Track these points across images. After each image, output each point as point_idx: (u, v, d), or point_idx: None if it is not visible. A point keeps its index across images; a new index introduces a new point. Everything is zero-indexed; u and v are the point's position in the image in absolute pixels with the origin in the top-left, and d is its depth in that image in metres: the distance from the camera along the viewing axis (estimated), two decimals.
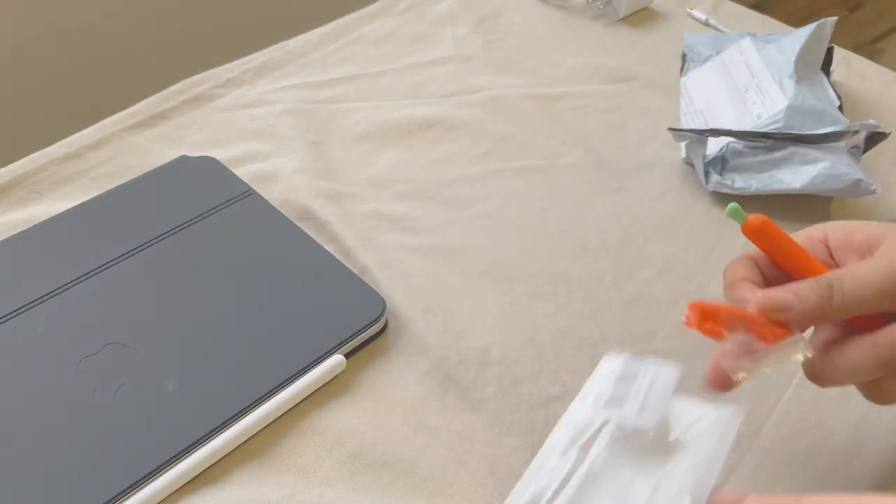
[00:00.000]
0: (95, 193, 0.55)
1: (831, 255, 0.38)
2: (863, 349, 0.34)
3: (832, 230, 0.38)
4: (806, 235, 0.38)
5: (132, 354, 0.45)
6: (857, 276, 0.34)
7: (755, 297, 0.34)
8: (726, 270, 0.38)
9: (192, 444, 0.41)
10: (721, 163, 0.57)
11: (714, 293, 0.52)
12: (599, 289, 0.52)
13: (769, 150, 0.56)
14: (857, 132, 0.56)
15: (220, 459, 0.42)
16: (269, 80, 0.68)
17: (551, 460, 0.32)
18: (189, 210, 0.53)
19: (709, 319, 0.33)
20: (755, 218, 0.36)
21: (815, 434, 0.45)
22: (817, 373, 0.36)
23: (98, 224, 0.52)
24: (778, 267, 0.38)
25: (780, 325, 0.34)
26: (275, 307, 0.48)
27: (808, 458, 0.44)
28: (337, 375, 0.46)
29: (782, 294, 0.34)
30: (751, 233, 0.37)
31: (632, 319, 0.50)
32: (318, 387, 0.45)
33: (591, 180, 0.60)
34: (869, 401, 0.37)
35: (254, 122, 0.63)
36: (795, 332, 0.35)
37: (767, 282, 0.37)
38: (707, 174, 0.57)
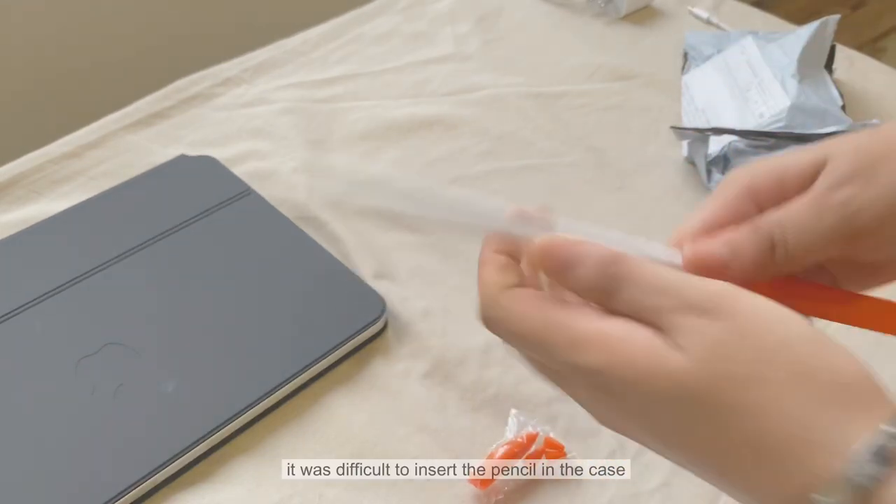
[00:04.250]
0: (94, 193, 0.55)
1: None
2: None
3: (762, 181, 0.29)
4: (727, 197, 0.30)
5: (131, 354, 0.45)
6: (800, 225, 0.28)
7: (685, 252, 0.28)
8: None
9: (192, 443, 0.41)
10: (723, 162, 0.57)
11: None
12: None
13: (771, 149, 0.56)
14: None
15: (220, 459, 0.42)
16: (269, 78, 0.68)
17: None
18: (188, 209, 0.53)
19: None
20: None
21: None
22: None
23: (97, 223, 0.52)
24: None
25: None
26: (274, 307, 0.48)
27: None
28: (337, 375, 0.46)
29: (715, 249, 0.28)
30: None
31: None
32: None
33: (593, 179, 0.60)
34: None
35: (253, 120, 0.63)
36: None
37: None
38: (709, 173, 0.57)
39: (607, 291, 0.25)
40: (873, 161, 0.28)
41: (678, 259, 0.28)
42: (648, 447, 0.27)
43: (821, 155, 0.29)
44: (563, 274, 0.26)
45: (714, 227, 0.29)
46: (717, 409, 0.23)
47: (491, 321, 0.29)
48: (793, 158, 0.29)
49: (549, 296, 0.27)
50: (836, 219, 0.27)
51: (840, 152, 0.28)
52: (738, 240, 0.28)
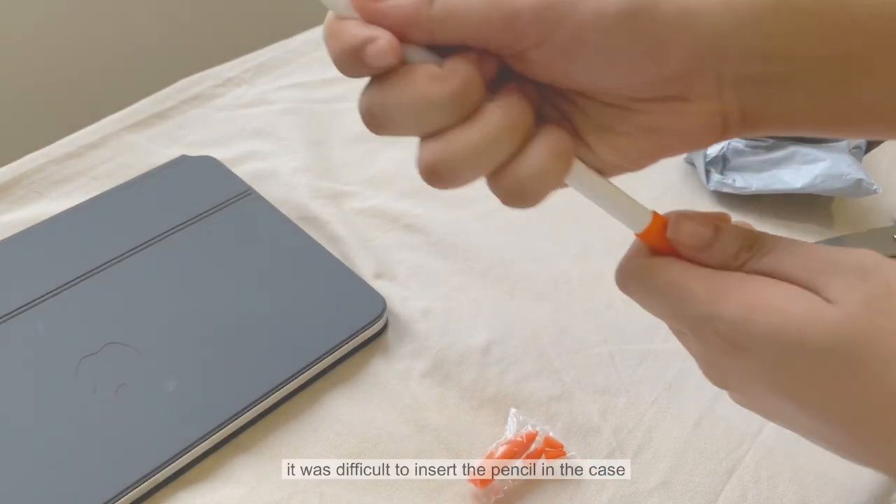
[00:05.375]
0: (95, 193, 0.55)
1: None
2: None
3: None
4: None
5: (132, 354, 0.45)
6: None
7: None
8: None
9: (192, 443, 0.41)
10: (722, 162, 0.57)
11: None
12: (600, 288, 0.52)
13: (770, 149, 0.56)
14: None
15: (221, 458, 0.42)
16: (269, 79, 0.68)
17: None
18: (188, 210, 0.53)
19: None
20: None
21: None
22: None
23: (98, 224, 0.52)
24: None
25: None
26: (274, 307, 0.48)
27: (809, 457, 0.44)
28: (337, 374, 0.46)
29: None
30: None
31: (632, 319, 0.50)
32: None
33: None
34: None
35: (254, 121, 0.63)
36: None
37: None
38: (708, 173, 0.57)
39: (749, 258, 0.26)
40: None
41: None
42: (766, 411, 0.28)
43: None
44: (705, 248, 0.27)
45: None
46: (870, 362, 0.23)
47: (628, 275, 0.29)
48: None
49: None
50: None
51: None
52: None
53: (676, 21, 0.24)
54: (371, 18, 0.24)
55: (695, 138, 0.27)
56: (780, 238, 0.27)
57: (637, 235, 0.30)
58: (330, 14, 0.26)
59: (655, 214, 0.29)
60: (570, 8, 0.24)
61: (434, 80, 0.24)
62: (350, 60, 0.24)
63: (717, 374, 0.29)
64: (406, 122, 0.25)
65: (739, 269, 0.27)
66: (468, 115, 0.25)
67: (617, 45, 0.24)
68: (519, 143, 0.26)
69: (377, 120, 0.25)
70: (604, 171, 0.28)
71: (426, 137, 0.26)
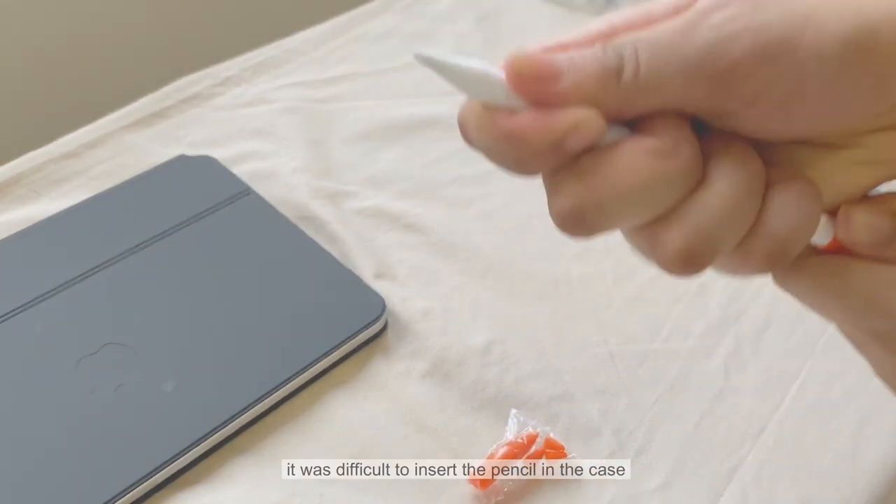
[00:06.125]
0: (94, 193, 0.55)
1: None
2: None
3: (625, 15, 0.23)
4: (584, 30, 0.23)
5: (131, 354, 0.45)
6: (659, 44, 0.21)
7: (507, 57, 0.21)
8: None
9: (191, 444, 0.41)
10: None
11: (715, 293, 0.51)
12: (600, 288, 0.52)
13: None
14: None
15: (220, 460, 0.42)
16: (269, 78, 0.68)
17: None
18: (187, 209, 0.53)
19: None
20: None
21: (817, 433, 0.44)
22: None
23: (96, 223, 0.52)
24: None
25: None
26: (273, 307, 0.48)
27: (810, 457, 0.43)
28: (337, 375, 0.46)
29: (547, 56, 0.21)
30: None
31: (632, 319, 0.50)
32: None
33: None
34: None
35: (253, 120, 0.63)
36: None
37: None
38: None
39: None
40: None
41: (500, 74, 0.21)
42: None
43: None
44: (885, 243, 0.24)
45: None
46: None
47: (799, 273, 0.25)
48: None
49: None
50: (706, 42, 0.21)
51: None
52: (581, 52, 0.22)
53: None
54: (545, 103, 0.21)
55: None
56: None
57: None
58: (474, 105, 0.21)
59: None
60: (790, 56, 0.21)
61: (660, 156, 0.21)
62: (539, 155, 0.21)
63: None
64: (628, 213, 0.21)
65: None
66: (695, 187, 0.22)
67: (840, 86, 0.21)
68: (761, 200, 0.22)
69: (590, 220, 0.21)
70: None
71: (650, 225, 0.22)
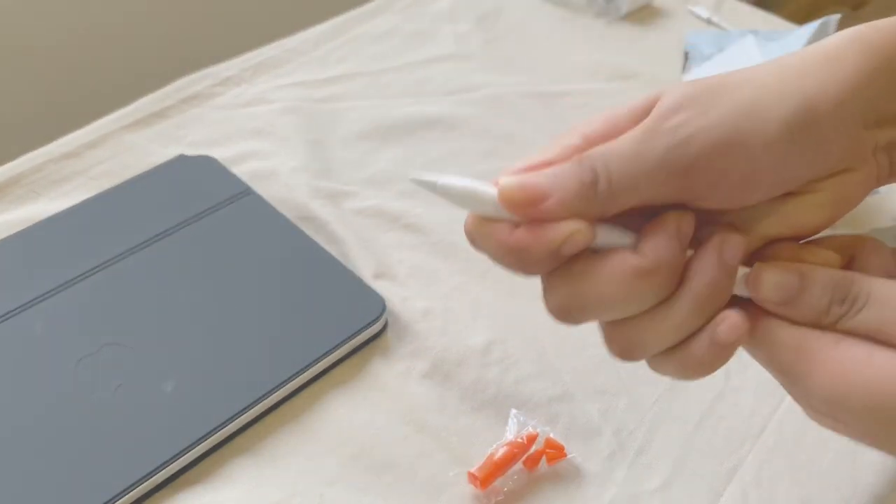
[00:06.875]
0: (93, 193, 0.55)
1: None
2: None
3: (594, 125, 0.26)
4: (559, 143, 0.26)
5: (130, 354, 0.45)
6: (625, 155, 0.24)
7: (500, 179, 0.25)
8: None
9: (191, 444, 0.41)
10: None
11: None
12: None
13: None
14: None
15: (220, 460, 0.42)
16: (268, 78, 0.68)
17: None
18: (187, 209, 0.53)
19: None
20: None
21: (817, 433, 0.44)
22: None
23: (96, 223, 0.52)
24: None
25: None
26: (273, 307, 0.48)
27: (810, 457, 0.43)
28: (337, 375, 0.46)
29: (534, 177, 0.25)
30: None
31: None
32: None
33: None
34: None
35: (253, 120, 0.63)
36: None
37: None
38: None
39: (844, 313, 0.25)
40: (710, 90, 0.25)
41: (493, 191, 0.25)
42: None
43: (655, 93, 0.26)
44: (790, 303, 0.25)
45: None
46: None
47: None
48: (628, 103, 0.27)
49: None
50: (664, 147, 0.24)
51: (675, 87, 0.26)
52: (560, 170, 0.25)
53: (834, 115, 0.25)
54: (527, 204, 0.24)
55: (857, 201, 0.27)
56: (879, 284, 0.24)
57: None
58: (476, 218, 0.25)
59: None
60: (740, 147, 0.24)
61: (639, 276, 0.24)
62: (539, 262, 0.24)
63: (824, 425, 0.27)
64: (606, 315, 0.25)
65: (833, 326, 0.25)
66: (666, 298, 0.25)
67: (788, 161, 0.25)
68: (706, 320, 0.25)
69: (575, 316, 0.25)
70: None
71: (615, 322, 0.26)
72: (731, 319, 0.25)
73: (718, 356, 0.26)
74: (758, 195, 0.25)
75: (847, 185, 0.26)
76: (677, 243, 0.25)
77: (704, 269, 0.25)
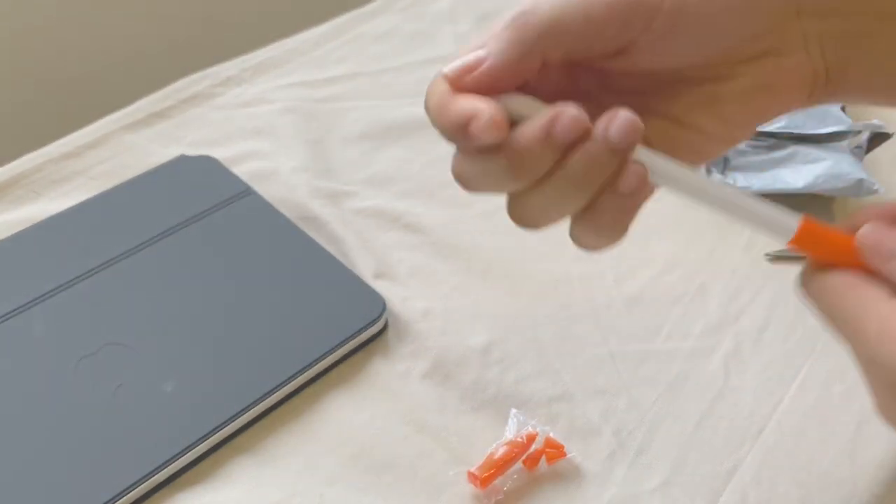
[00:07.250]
0: (94, 193, 0.55)
1: None
2: None
3: None
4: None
5: (130, 354, 0.45)
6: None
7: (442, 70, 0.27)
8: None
9: (191, 444, 0.41)
10: (723, 162, 0.57)
11: (715, 293, 0.51)
12: (600, 288, 0.52)
13: (771, 149, 0.56)
14: (859, 132, 0.56)
15: (220, 460, 0.42)
16: (269, 78, 0.68)
17: None
18: (188, 209, 0.53)
19: None
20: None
21: (817, 434, 0.44)
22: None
23: (96, 224, 0.52)
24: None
25: None
26: (273, 307, 0.48)
27: (810, 457, 0.43)
28: (337, 375, 0.46)
29: (467, 51, 0.27)
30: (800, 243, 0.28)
31: (633, 319, 0.50)
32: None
33: None
34: None
35: (253, 120, 0.63)
36: None
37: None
38: (709, 173, 0.57)
39: None
40: None
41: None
42: None
43: None
44: (885, 263, 0.25)
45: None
46: None
47: (805, 292, 0.28)
48: None
49: (872, 281, 0.26)
50: None
51: None
52: (488, 34, 0.27)
53: None
54: (468, 72, 0.27)
55: (790, 97, 0.28)
56: None
57: (789, 245, 0.27)
58: (437, 86, 0.27)
59: (806, 218, 0.27)
60: None
61: (511, 169, 0.26)
62: (457, 136, 0.26)
63: (886, 413, 0.26)
64: (492, 190, 0.28)
65: None
66: (551, 172, 0.27)
67: (713, 10, 0.26)
68: (591, 192, 0.27)
69: (465, 184, 0.28)
70: (713, 148, 0.29)
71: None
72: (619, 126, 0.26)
73: (623, 208, 0.29)
74: (684, 51, 0.27)
75: (771, 69, 0.27)
76: (542, 134, 0.26)
77: (586, 147, 0.26)
